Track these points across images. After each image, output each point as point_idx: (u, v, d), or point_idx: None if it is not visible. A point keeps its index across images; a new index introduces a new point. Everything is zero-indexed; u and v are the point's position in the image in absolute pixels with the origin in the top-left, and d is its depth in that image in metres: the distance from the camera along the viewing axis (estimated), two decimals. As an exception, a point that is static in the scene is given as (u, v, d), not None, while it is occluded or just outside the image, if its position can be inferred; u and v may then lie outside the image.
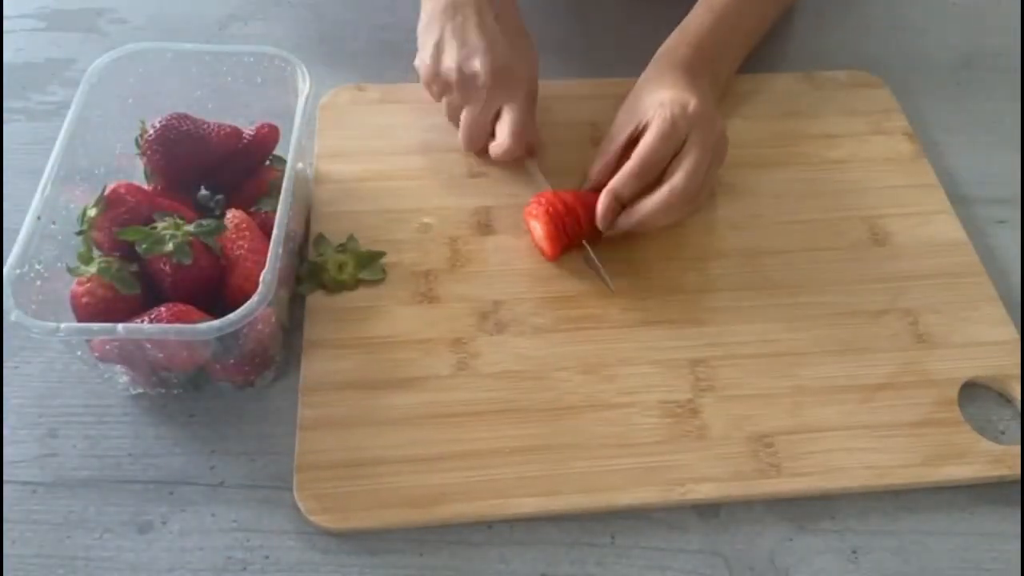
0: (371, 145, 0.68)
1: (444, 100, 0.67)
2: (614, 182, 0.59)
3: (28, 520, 0.50)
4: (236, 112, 0.61)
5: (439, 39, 0.64)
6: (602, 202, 0.59)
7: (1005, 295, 0.61)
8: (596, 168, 0.63)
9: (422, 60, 0.65)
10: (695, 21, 0.68)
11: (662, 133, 0.59)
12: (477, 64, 0.62)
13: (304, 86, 0.59)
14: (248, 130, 0.59)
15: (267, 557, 0.49)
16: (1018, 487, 0.53)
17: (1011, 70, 0.79)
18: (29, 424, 0.54)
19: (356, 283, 0.60)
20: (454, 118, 0.67)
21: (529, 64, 0.65)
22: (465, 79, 0.63)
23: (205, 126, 0.58)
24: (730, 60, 0.70)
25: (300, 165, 0.60)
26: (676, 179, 0.59)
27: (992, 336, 0.59)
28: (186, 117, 0.57)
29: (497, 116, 0.65)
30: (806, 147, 0.70)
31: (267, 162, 0.61)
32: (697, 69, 0.65)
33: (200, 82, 0.61)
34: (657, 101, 0.61)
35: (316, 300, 0.59)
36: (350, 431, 0.53)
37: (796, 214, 0.66)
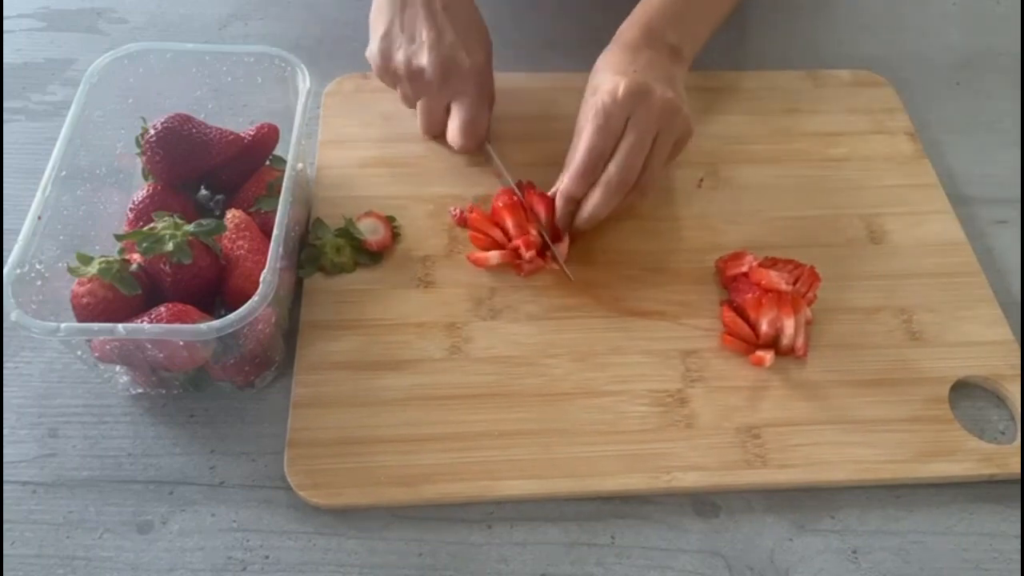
0: (373, 132, 0.69)
1: (399, 89, 0.66)
2: (564, 186, 0.60)
3: (28, 520, 0.50)
4: (236, 112, 0.61)
5: (387, 30, 0.63)
6: (558, 207, 0.61)
7: (1004, 295, 0.61)
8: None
9: (372, 52, 0.64)
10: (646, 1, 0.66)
11: (596, 127, 0.58)
12: (424, 60, 0.62)
13: (304, 86, 0.59)
14: (248, 131, 0.59)
15: (267, 557, 0.49)
16: (1018, 487, 0.53)
17: (1011, 70, 0.79)
18: (29, 424, 0.54)
19: (354, 266, 0.61)
20: (410, 106, 0.67)
21: (479, 55, 0.64)
22: (413, 74, 0.63)
23: (208, 131, 0.58)
24: (692, 28, 0.66)
25: (300, 165, 0.60)
26: (608, 172, 0.59)
27: (986, 336, 0.59)
28: (188, 119, 0.57)
29: (449, 107, 0.66)
30: (807, 144, 0.70)
31: (267, 162, 0.61)
32: (642, 45, 0.63)
33: (200, 82, 0.62)
34: (592, 89, 0.61)
35: (314, 282, 0.60)
36: (343, 410, 0.54)
37: (794, 210, 0.66)
